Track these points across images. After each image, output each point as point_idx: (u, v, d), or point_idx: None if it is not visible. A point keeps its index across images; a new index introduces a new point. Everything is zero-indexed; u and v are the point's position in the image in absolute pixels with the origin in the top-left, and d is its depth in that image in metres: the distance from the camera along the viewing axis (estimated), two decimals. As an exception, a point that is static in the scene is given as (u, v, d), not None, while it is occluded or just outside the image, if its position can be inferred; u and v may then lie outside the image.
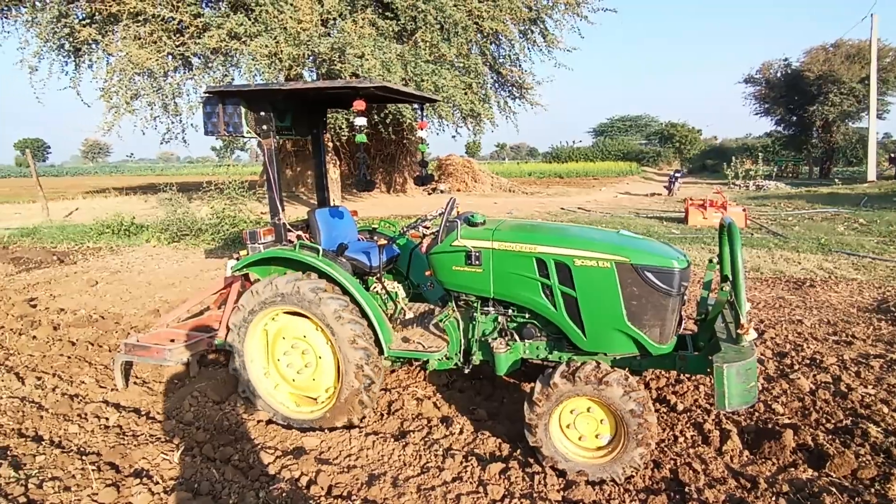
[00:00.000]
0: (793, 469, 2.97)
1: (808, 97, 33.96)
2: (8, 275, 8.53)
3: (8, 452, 3.35)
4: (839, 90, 32.36)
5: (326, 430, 3.52)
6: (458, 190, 25.67)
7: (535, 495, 2.83)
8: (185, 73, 12.66)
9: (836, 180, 28.11)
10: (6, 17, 13.72)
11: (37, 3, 12.34)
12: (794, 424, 3.38)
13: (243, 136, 3.64)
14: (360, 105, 3.23)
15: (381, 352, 3.49)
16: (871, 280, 7.11)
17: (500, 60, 15.16)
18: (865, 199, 16.97)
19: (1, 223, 15.34)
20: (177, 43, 10.99)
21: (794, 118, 37.18)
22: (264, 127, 3.59)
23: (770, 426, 3.39)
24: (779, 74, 36.95)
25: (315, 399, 3.68)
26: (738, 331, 2.75)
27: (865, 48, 29.89)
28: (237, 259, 3.96)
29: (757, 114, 39.88)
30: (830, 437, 3.26)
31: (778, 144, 43.55)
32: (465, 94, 12.59)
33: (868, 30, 27.09)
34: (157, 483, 3.03)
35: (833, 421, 3.46)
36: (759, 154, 33.69)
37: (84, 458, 3.28)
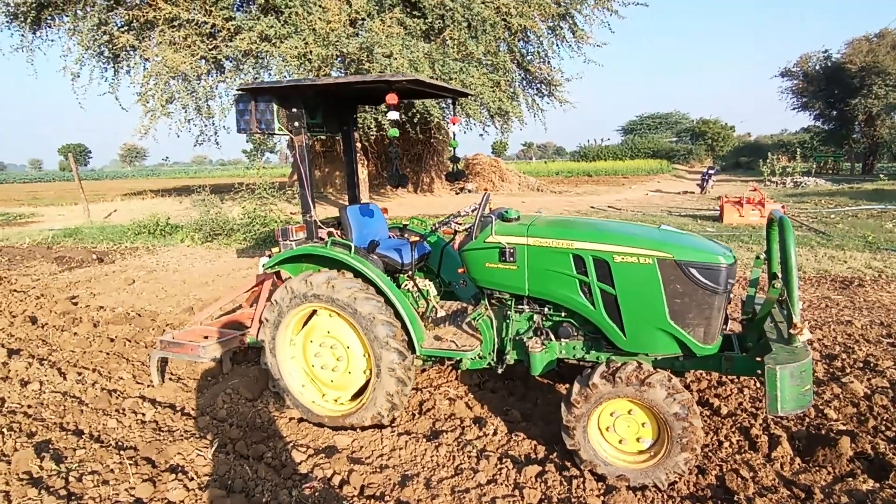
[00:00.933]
0: (851, 479, 2.79)
1: (849, 90, 32.48)
2: (52, 274, 8.83)
3: (50, 445, 3.43)
4: (884, 82, 30.83)
5: (358, 430, 3.49)
6: (486, 189, 25.51)
7: (573, 500, 2.72)
8: (217, 75, 12.92)
9: (882, 176, 26.84)
10: (50, 26, 14.26)
11: (78, 11, 12.77)
12: (850, 431, 3.18)
13: (275, 133, 3.64)
14: (392, 99, 3.18)
15: (413, 350, 3.43)
16: (926, 279, 6.72)
17: (529, 57, 14.96)
18: (915, 196, 16.14)
19: (45, 224, 15.95)
20: (210, 46, 11.22)
21: (835, 112, 35.60)
22: (296, 123, 3.58)
23: (823, 432, 3.21)
24: (818, 67, 35.44)
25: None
26: (791, 330, 2.59)
27: (913, 37, 28.51)
28: (269, 256, 3.96)
29: (794, 109, 38.30)
30: (893, 446, 3.04)
31: (816, 140, 41.85)
32: (494, 91, 12.47)
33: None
34: (192, 479, 3.04)
35: (894, 428, 3.24)
36: (797, 150, 32.43)
37: (122, 452, 3.33)
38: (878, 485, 2.72)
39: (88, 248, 11.15)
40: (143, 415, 3.85)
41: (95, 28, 12.13)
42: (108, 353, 5.07)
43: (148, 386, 4.35)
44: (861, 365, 4.20)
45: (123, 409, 3.93)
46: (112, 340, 5.40)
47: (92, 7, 12.30)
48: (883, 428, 3.26)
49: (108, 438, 3.55)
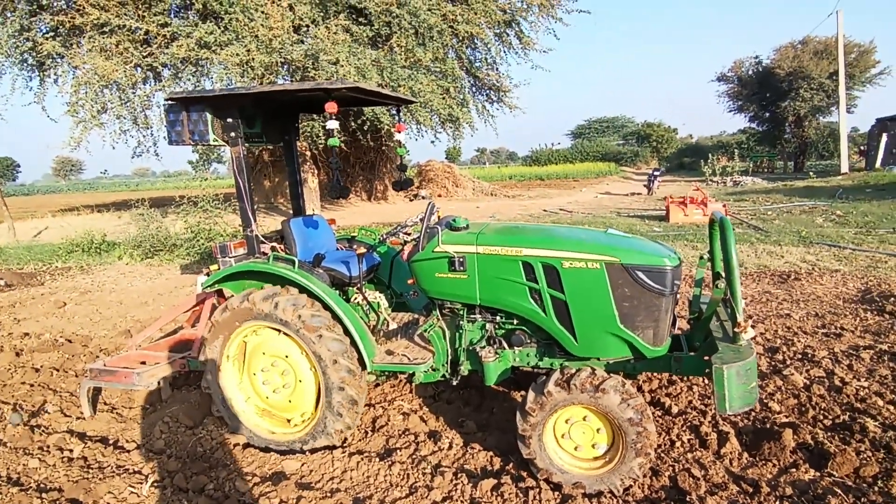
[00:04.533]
0: (794, 470, 2.87)
1: (779, 93, 34.58)
2: (-30, 299, 8.12)
3: (-41, 494, 3.09)
4: (809, 86, 33.00)
5: (308, 453, 3.32)
6: (440, 195, 25.56)
7: (530, 512, 2.67)
8: (154, 84, 12.32)
9: (811, 174, 28.64)
10: (-35, 33, 13.23)
11: (-3, 17, 11.93)
12: (792, 423, 3.28)
13: (210, 144, 3.45)
14: (331, 107, 3.06)
15: (363, 366, 3.31)
16: (854, 271, 7.13)
17: (477, 64, 15.09)
18: (840, 191, 17.26)
19: (-35, 245, 14.73)
20: (144, 53, 10.69)
21: (767, 114, 37.81)
22: (232, 134, 3.40)
23: (768, 426, 3.29)
24: (750, 72, 37.57)
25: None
26: (736, 329, 2.64)
27: (832, 44, 30.57)
28: (208, 274, 3.74)
29: (731, 111, 40.47)
30: (829, 434, 3.17)
31: (752, 140, 44.29)
32: (443, 98, 12.48)
33: (834, 26, 27.78)
34: (124, 519, 2.81)
35: (830, 417, 3.37)
36: (735, 150, 34.20)
37: (44, 495, 3.03)
38: (818, 474, 2.81)
39: (13, 270, 10.36)
40: (71, 451, 3.53)
41: (17, 34, 11.34)
42: (32, 385, 4.66)
43: (77, 419, 4.02)
44: (800, 356, 4.37)
45: (48, 447, 3.60)
46: (37, 370, 4.98)
47: (12, 12, 11.50)
48: (821, 417, 3.38)
49: (29, 480, 3.23)
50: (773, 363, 4.29)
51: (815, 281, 6.73)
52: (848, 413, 3.42)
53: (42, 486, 3.16)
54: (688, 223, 12.46)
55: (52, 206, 30.14)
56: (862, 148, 36.47)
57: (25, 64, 12.67)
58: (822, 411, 3.47)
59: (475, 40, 14.07)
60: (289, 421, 3.48)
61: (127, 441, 3.68)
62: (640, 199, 20.88)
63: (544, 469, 2.84)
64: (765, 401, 3.62)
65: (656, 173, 24.34)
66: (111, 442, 3.67)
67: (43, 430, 3.85)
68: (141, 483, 3.09)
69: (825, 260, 7.90)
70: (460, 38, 13.16)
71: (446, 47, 13.06)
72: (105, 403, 4.27)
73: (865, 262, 7.63)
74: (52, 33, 11.79)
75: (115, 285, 8.73)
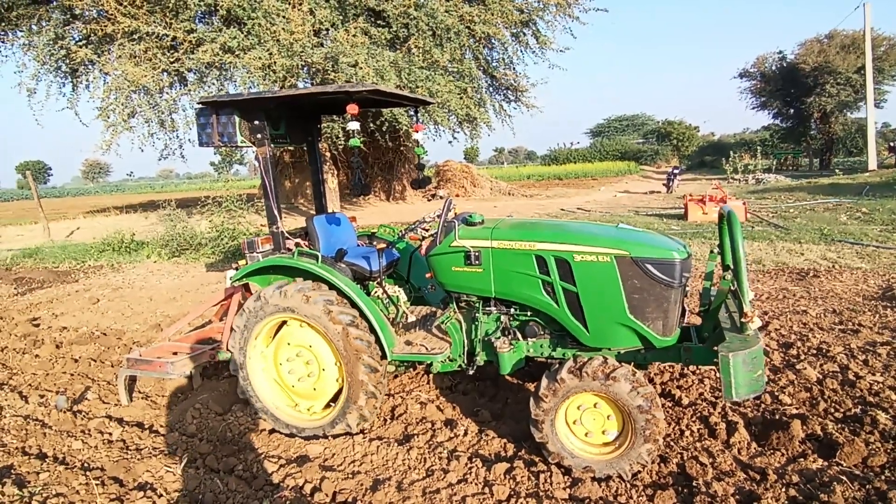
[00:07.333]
0: (802, 459, 2.93)
1: (804, 89, 33.83)
2: (11, 296, 8.54)
3: (12, 471, 3.34)
4: (835, 81, 32.22)
5: (330, 437, 3.50)
6: (458, 195, 25.67)
7: (541, 494, 2.80)
8: (180, 88, 12.71)
9: (837, 171, 28.06)
10: (3, 42, 13.82)
11: (33, 26, 12.43)
12: (801, 414, 3.34)
13: (238, 146, 3.65)
14: (353, 109, 3.23)
15: (384, 356, 3.47)
16: (876, 269, 7.06)
17: (494, 64, 15.15)
18: (867, 189, 16.90)
19: (4, 245, 15.38)
20: (171, 59, 11.04)
21: (792, 111, 37.01)
22: (258, 135, 3.59)
23: (777, 417, 3.36)
24: (774, 68, 36.81)
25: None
26: (742, 319, 2.72)
27: (859, 38, 29.86)
28: (236, 269, 3.95)
29: (754, 108, 39.66)
30: (839, 426, 3.21)
31: (776, 137, 43.42)
32: (461, 98, 12.59)
33: (861, 19, 27.17)
34: (161, 496, 3.02)
35: (841, 409, 3.42)
36: (758, 148, 33.60)
37: (88, 473, 3.26)
38: (826, 463, 2.87)
39: (50, 268, 10.82)
40: (110, 434, 3.78)
41: (52, 43, 11.81)
42: (72, 374, 4.95)
43: (115, 405, 4.27)
44: (814, 352, 4.40)
45: (89, 430, 3.85)
46: (76, 361, 5.27)
47: (48, 22, 11.99)
48: (832, 410, 3.43)
49: (74, 460, 3.47)
50: (786, 358, 4.32)
51: (835, 278, 6.69)
52: (860, 406, 3.46)
53: (86, 465, 3.39)
54: (706, 221, 12.36)
55: (83, 207, 31.14)
56: (892, 144, 35.46)
57: (59, 71, 13.18)
58: (833, 404, 3.51)
59: (492, 40, 14.13)
60: (295, 405, 3.67)
61: (161, 426, 3.90)
62: (659, 198, 20.73)
63: (556, 453, 2.96)
64: (776, 393, 3.67)
65: (676, 171, 24.10)
66: (147, 426, 3.90)
67: (84, 416, 4.10)
68: (176, 463, 3.30)
69: (847, 257, 7.81)
70: (477, 38, 13.26)
71: (463, 48, 13.16)
72: (139, 392, 4.51)
73: (889, 259, 7.53)
74: (84, 41, 12.25)
75: (145, 282, 9.08)
